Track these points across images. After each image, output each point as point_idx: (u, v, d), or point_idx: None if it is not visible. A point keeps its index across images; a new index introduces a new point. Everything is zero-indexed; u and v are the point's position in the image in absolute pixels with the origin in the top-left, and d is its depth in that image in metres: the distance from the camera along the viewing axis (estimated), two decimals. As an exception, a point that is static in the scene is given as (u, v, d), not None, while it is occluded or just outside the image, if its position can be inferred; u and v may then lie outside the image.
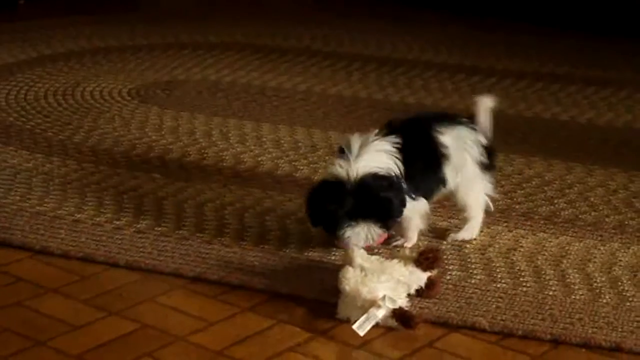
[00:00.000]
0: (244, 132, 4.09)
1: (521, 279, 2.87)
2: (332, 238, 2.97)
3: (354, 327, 2.55)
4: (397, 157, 2.91)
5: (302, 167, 3.70)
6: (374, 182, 2.86)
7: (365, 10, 6.49)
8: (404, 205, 2.91)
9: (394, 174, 2.89)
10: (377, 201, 2.86)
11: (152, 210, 3.31)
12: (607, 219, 3.29)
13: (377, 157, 2.91)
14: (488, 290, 2.80)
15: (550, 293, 2.79)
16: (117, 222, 3.22)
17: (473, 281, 2.86)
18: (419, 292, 2.73)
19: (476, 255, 3.02)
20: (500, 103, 4.48)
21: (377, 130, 2.99)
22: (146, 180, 3.57)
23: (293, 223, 3.22)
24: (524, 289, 2.82)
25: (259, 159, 3.79)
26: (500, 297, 2.77)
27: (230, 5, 6.61)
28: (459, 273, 2.90)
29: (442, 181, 3.03)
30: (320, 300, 2.73)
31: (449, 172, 3.02)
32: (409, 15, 6.33)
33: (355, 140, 2.93)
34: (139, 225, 3.20)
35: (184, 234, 3.14)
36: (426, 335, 2.59)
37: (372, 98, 4.62)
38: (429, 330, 2.61)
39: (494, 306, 2.72)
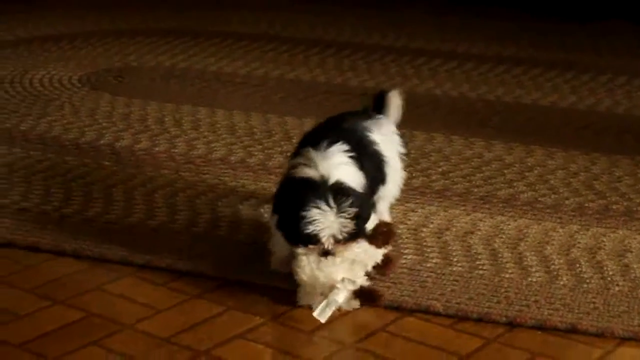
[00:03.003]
0: (198, 119, 4.01)
1: (477, 262, 2.82)
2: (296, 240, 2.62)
3: (315, 314, 2.49)
4: (356, 168, 2.70)
5: (256, 153, 3.63)
6: (348, 186, 2.62)
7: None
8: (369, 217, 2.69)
9: (362, 188, 2.69)
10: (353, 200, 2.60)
11: (100, 198, 3.23)
12: (566, 202, 3.25)
13: (344, 170, 2.66)
14: (443, 274, 2.75)
15: (507, 276, 2.74)
16: (64, 210, 3.14)
17: (428, 265, 2.80)
18: (375, 269, 2.65)
19: (432, 239, 2.96)
20: (461, 86, 4.50)
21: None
22: (95, 168, 3.49)
23: (245, 209, 3.15)
24: (480, 272, 2.76)
25: (212, 145, 3.71)
26: (456, 281, 2.71)
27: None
28: (414, 257, 2.84)
29: (383, 181, 2.88)
30: (271, 287, 2.67)
31: (387, 170, 2.88)
32: (368, 0, 6.28)
33: (314, 155, 2.67)
34: (87, 213, 3.12)
35: (132, 222, 3.07)
36: (380, 319, 2.54)
37: (331, 83, 4.57)
38: (383, 314, 2.56)
39: (449, 289, 2.67)
